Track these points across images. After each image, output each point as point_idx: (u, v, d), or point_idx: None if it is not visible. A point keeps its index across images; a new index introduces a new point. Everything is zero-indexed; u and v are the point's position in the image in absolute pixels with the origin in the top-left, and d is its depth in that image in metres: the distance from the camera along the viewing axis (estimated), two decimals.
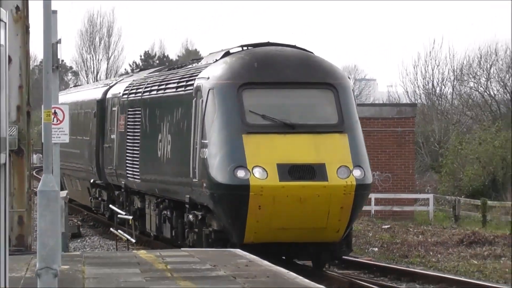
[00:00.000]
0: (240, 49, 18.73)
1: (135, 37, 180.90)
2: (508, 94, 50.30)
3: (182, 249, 20.59)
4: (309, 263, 19.35)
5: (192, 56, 69.08)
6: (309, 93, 17.46)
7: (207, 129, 16.89)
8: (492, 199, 33.84)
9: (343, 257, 19.30)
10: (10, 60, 16.21)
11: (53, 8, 11.89)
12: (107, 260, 17.44)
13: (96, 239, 29.48)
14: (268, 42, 18.95)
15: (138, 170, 23.67)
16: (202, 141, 17.03)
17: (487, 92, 50.15)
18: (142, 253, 18.44)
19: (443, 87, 54.46)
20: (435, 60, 54.36)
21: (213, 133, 16.61)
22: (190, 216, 18.43)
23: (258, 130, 16.43)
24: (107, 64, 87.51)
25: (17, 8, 17.89)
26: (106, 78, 73.48)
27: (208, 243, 17.20)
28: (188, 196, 18.35)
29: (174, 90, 20.67)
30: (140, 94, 24.35)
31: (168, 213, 21.16)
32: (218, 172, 16.09)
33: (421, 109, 47.91)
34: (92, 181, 30.17)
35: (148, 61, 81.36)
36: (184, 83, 19.72)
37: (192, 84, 18.64)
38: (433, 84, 53.96)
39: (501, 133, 38.63)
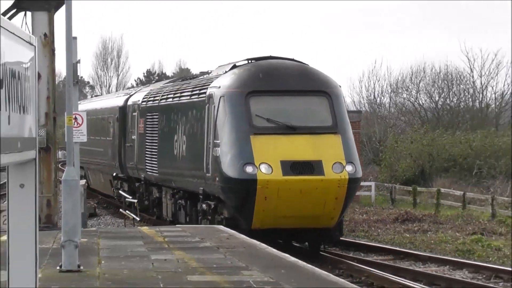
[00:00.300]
0: (246, 62, 17.82)
1: (139, 58, 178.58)
2: (433, 103, 50.80)
3: (177, 225, 20.06)
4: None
5: (184, 73, 67.89)
6: (307, 100, 16.58)
7: (219, 131, 16.02)
8: (421, 186, 33.69)
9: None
10: (39, 76, 16.04)
11: (73, 35, 11.76)
12: (117, 234, 17.37)
13: (108, 218, 28.87)
14: (270, 56, 18.08)
15: (156, 165, 22.32)
16: (215, 141, 16.15)
17: (417, 102, 50.27)
18: (145, 229, 18.27)
19: (382, 97, 54.64)
20: (376, 76, 54.35)
21: (224, 134, 15.79)
22: (204, 205, 17.51)
23: (263, 131, 15.63)
24: (117, 79, 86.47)
25: (45, 35, 17.60)
26: (116, 91, 72.43)
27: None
28: (201, 188, 17.36)
29: (188, 97, 19.60)
30: (157, 101, 22.98)
31: (183, 202, 20.02)
32: (229, 168, 15.28)
33: (365, 115, 47.71)
34: (114, 174, 28.41)
35: (149, 77, 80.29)
36: (197, 92, 18.67)
37: (205, 92, 17.61)
38: (374, 95, 54.02)
39: (428, 134, 38.79)
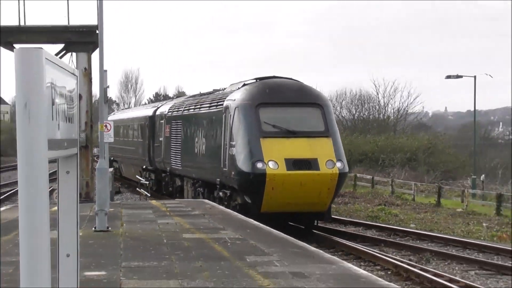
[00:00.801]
0: (254, 80, 16.06)
1: (150, 84, 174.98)
2: (352, 116, 50.64)
3: (176, 199, 19.14)
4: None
5: (181, 95, 66.76)
6: (304, 110, 14.78)
7: (234, 134, 14.34)
8: None
9: None
10: (81, 97, 15.38)
11: (104, 68, 11.43)
12: (134, 206, 16.93)
13: (128, 194, 27.45)
14: (274, 75, 16.28)
15: (180, 161, 20.16)
16: (231, 142, 14.46)
17: (341, 114, 49.83)
18: (154, 202, 17.40)
19: None
20: None
21: (238, 137, 14.10)
22: (220, 193, 15.82)
23: (270, 135, 13.92)
24: (135, 99, 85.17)
25: (85, 68, 16.50)
26: (135, 106, 71.58)
27: (235, 211, 14.53)
28: (218, 179, 15.69)
29: (207, 108, 17.58)
30: (181, 112, 20.75)
31: (201, 189, 18.23)
32: (243, 164, 13.65)
33: None
34: (144, 167, 25.77)
35: (157, 98, 79.23)
36: (215, 104, 16.79)
37: (222, 104, 15.77)
38: None
39: (348, 137, 38.34)
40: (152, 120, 23.27)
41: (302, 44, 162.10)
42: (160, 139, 21.91)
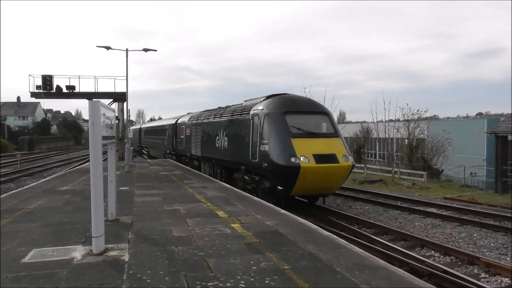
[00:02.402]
0: (270, 96, 16.78)
1: (149, 114, 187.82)
2: None
3: (159, 159, 32.77)
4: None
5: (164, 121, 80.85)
6: (317, 117, 15.48)
7: (265, 135, 14.75)
8: None
9: None
10: (118, 119, 30.56)
11: (127, 107, 24.82)
12: (141, 162, 26.43)
13: (140, 159, 37.23)
14: (284, 92, 17.36)
15: (200, 150, 22.82)
16: (262, 141, 14.87)
17: None
18: (149, 160, 28.62)
19: None
20: None
21: (271, 137, 14.52)
22: (246, 177, 16.66)
23: (297, 136, 14.37)
24: (142, 120, 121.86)
25: (121, 109, 33.78)
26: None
27: (263, 193, 15.26)
28: (243, 166, 16.58)
29: (230, 116, 18.74)
30: (200, 120, 23.79)
31: (219, 169, 19.92)
32: (278, 158, 13.99)
33: None
34: (168, 152, 33.22)
35: (150, 120, 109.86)
36: (239, 113, 17.75)
37: (248, 112, 16.53)
38: None
39: None
40: (175, 126, 30.96)
41: None
42: (182, 136, 27.74)
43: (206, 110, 25.63)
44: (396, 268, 5.64)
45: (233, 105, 20.65)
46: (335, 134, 15.25)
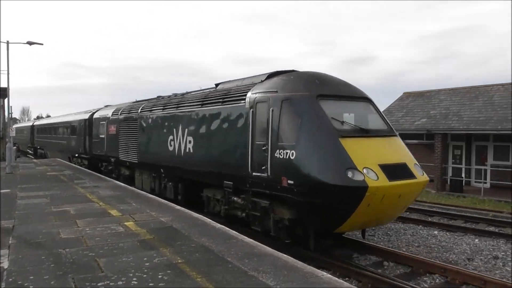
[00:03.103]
0: (273, 73, 10.56)
1: (36, 112, 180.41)
2: None
3: (45, 159, 27.88)
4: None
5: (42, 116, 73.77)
6: (358, 105, 9.82)
7: (288, 133, 8.92)
8: None
9: None
10: None
11: (10, 104, 20.72)
12: (26, 162, 24.39)
13: (26, 159, 33.25)
14: (293, 70, 10.69)
15: (136, 154, 16.48)
16: (279, 143, 8.99)
17: None
18: (35, 160, 24.01)
19: None
20: None
21: (302, 136, 8.70)
22: (235, 198, 10.55)
23: (348, 134, 8.77)
24: (27, 118, 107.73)
25: (1, 105, 26.63)
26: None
27: (277, 227, 9.46)
28: (230, 182, 10.46)
29: (199, 106, 12.34)
30: (135, 113, 17.18)
31: (172, 184, 13.88)
32: (324, 173, 8.19)
33: None
34: (76, 155, 26.00)
35: (37, 118, 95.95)
36: (219, 100, 11.45)
37: (243, 99, 10.30)
38: None
39: None
40: (88, 122, 24.09)
41: None
42: (101, 136, 21.46)
43: (145, 100, 18.68)
44: (282, 254, 5.94)
45: (199, 91, 14.01)
46: (391, 131, 9.71)
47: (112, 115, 20.55)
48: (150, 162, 15.27)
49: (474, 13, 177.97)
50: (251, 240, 6.62)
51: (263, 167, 9.35)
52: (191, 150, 12.41)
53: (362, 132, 8.96)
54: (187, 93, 14.85)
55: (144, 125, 16.03)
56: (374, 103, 10.14)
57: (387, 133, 9.52)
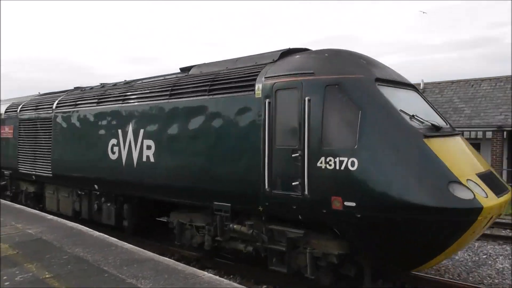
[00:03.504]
0: (286, 51, 7.17)
1: None
2: None
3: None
4: None
5: None
6: (413, 94, 6.75)
7: (340, 133, 5.64)
8: None
9: None
10: None
11: None
12: None
13: None
14: (305, 48, 7.33)
15: (48, 165, 11.87)
16: (324, 148, 5.66)
17: None
18: None
19: None
20: None
21: (367, 137, 5.39)
22: (235, 226, 7.06)
23: (428, 133, 5.64)
24: None
25: None
26: None
27: (315, 266, 6.34)
28: (228, 203, 6.98)
29: (166, 99, 8.32)
30: (50, 109, 12.31)
31: (113, 204, 9.83)
32: (416, 189, 5.01)
33: None
34: None
35: None
36: (204, 88, 7.61)
37: (252, 88, 6.71)
38: None
39: None
40: None
41: None
42: None
43: (61, 92, 13.80)
44: (163, 258, 5.72)
45: (160, 77, 9.68)
46: (453, 129, 7.10)
47: (5, 113, 15.54)
48: (74, 175, 10.91)
49: None
50: (131, 246, 6.34)
51: (294, 183, 6.13)
52: (152, 159, 8.61)
53: (433, 130, 6.03)
54: (137, 80, 10.30)
55: (64, 125, 11.57)
56: (420, 92, 7.41)
57: (453, 131, 6.72)
